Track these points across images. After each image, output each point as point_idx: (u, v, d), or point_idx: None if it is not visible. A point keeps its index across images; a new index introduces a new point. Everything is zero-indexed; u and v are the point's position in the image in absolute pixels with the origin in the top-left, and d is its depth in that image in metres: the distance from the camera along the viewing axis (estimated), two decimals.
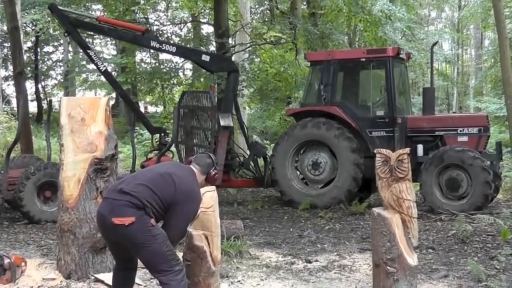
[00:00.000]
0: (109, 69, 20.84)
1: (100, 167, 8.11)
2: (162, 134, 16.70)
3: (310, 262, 9.60)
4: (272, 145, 19.09)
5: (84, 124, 8.14)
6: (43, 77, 43.70)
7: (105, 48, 45.78)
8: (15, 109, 28.90)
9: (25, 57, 26.36)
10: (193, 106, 16.46)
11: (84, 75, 43.23)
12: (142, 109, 35.47)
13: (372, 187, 15.16)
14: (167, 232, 6.05)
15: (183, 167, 6.60)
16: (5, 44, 36.18)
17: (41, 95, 41.23)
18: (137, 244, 5.94)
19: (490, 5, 24.58)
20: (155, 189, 6.02)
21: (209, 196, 6.65)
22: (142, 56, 38.26)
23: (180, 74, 28.57)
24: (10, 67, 30.40)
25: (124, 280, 6.50)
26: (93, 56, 16.02)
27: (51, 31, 37.23)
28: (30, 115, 26.70)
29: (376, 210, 6.60)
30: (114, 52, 42.02)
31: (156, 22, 30.67)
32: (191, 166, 6.52)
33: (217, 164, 6.69)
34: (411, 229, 6.47)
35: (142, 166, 16.18)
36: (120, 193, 6.00)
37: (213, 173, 6.54)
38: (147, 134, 22.85)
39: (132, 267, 6.49)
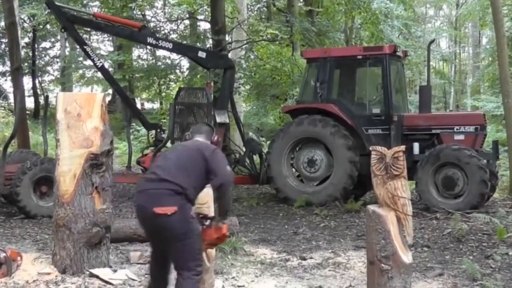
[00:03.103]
0: (106, 65, 20.84)
1: (95, 163, 8.12)
2: (158, 130, 16.70)
3: (304, 259, 9.61)
4: (268, 142, 19.07)
5: (80, 119, 8.15)
6: (40, 72, 43.57)
7: (102, 44, 45.74)
8: (12, 104, 28.84)
9: (22, 52, 26.28)
10: (189, 103, 16.44)
11: (81, 71, 43.16)
12: (138, 106, 35.46)
13: (367, 185, 15.13)
14: (221, 180, 6.15)
15: (192, 140, 6.66)
16: (3, 40, 36.20)
17: (38, 91, 41.12)
18: (174, 235, 5.95)
19: (488, 3, 24.56)
20: (186, 163, 6.16)
21: (205, 192, 6.64)
22: (139, 53, 38.27)
23: (177, 71, 28.51)
24: (8, 63, 30.33)
25: (160, 275, 6.48)
26: (89, 52, 16.03)
27: (48, 26, 37.24)
28: (27, 111, 26.67)
29: (371, 207, 6.59)
30: (111, 49, 41.95)
31: (153, 19, 30.65)
32: (195, 138, 6.62)
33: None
34: (406, 227, 6.46)
35: (138, 162, 16.23)
36: (158, 181, 6.03)
37: (216, 137, 6.77)
38: (143, 130, 22.84)
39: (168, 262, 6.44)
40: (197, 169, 6.15)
